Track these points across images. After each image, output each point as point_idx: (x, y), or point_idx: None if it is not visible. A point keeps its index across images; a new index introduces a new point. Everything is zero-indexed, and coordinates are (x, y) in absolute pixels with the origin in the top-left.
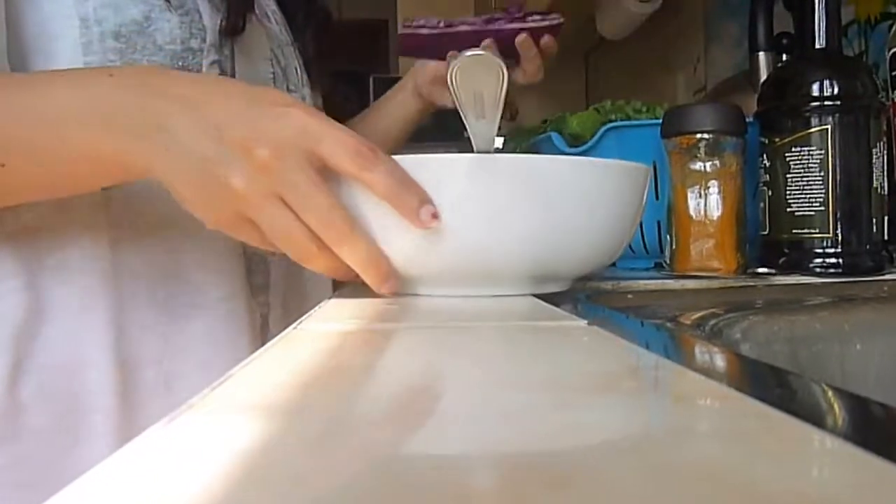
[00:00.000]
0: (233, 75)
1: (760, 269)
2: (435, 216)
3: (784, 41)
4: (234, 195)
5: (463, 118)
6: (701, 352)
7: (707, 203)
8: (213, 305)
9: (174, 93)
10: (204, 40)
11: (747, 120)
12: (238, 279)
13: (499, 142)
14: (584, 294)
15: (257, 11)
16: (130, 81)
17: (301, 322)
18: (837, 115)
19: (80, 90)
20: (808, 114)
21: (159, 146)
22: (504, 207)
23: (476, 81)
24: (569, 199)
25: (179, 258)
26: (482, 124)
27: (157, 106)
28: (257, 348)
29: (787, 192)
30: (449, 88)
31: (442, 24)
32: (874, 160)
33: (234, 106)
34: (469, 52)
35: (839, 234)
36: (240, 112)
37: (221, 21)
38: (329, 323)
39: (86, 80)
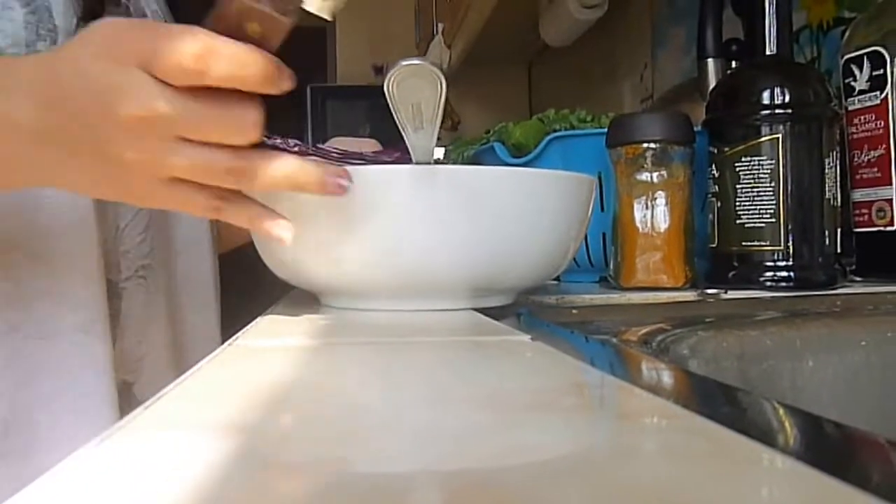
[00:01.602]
0: None
1: (710, 290)
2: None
3: (733, 47)
4: (138, 164)
5: (401, 129)
6: (648, 368)
7: (654, 215)
8: (66, 334)
9: (21, 103)
10: (55, 41)
11: (695, 129)
12: (96, 306)
13: (439, 153)
14: (527, 309)
15: (131, 9)
16: None
17: (237, 338)
18: (789, 123)
19: None
20: (758, 122)
21: (42, 158)
22: (443, 220)
23: (414, 92)
24: (509, 212)
25: (25, 284)
26: (420, 135)
27: (20, 124)
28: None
29: (737, 204)
30: (386, 98)
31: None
32: (827, 170)
33: (71, 93)
34: (406, 62)
35: (790, 247)
36: (80, 93)
37: (77, 19)
38: (265, 339)
39: None
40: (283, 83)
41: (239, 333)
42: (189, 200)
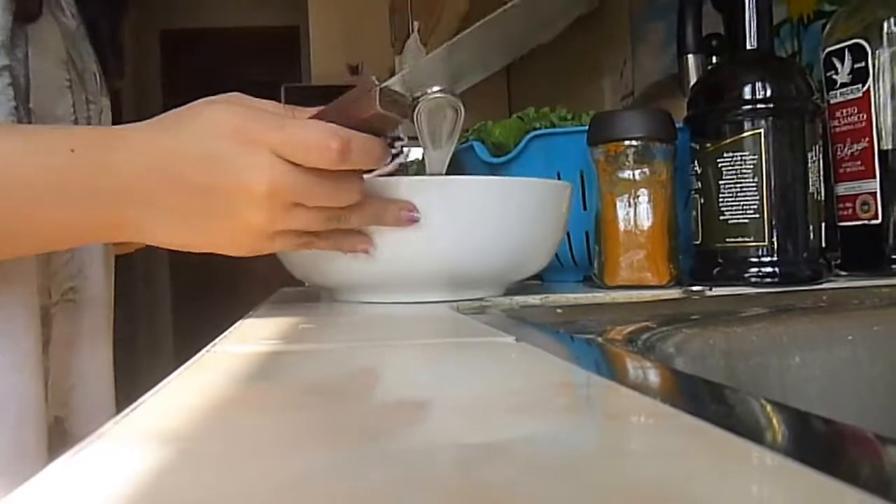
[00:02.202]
0: (27, 83)
1: (695, 287)
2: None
3: (714, 42)
4: (258, 225)
5: (422, 145)
6: (634, 367)
7: (637, 213)
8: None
9: (137, 171)
10: None
11: (677, 125)
12: (30, 339)
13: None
14: (511, 309)
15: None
16: (92, 159)
17: (215, 344)
18: (771, 118)
19: (39, 159)
20: (740, 118)
21: (148, 221)
22: (431, 224)
23: (436, 117)
24: (493, 215)
25: None
26: (437, 152)
27: (133, 190)
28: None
29: (720, 200)
30: (414, 123)
31: None
32: (810, 164)
33: (197, 167)
34: (433, 92)
35: (775, 243)
36: (209, 169)
37: (11, 13)
38: (244, 345)
39: (45, 149)
40: (386, 161)
41: (218, 339)
42: (287, 244)
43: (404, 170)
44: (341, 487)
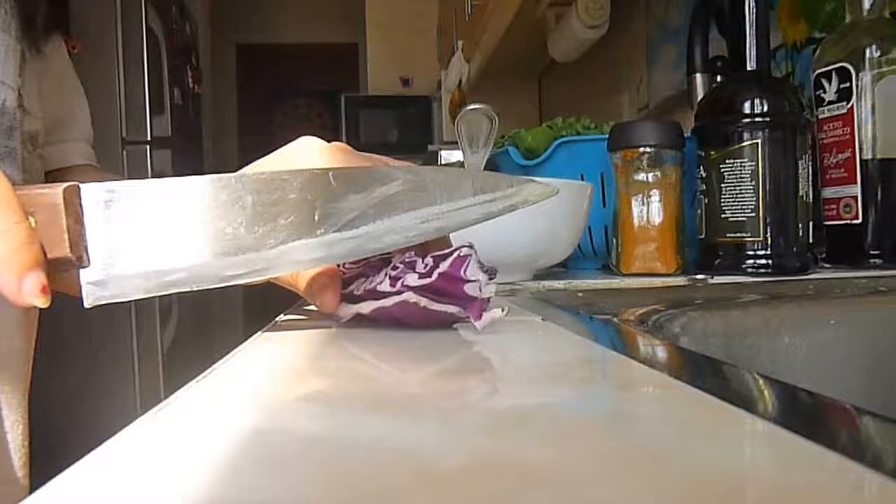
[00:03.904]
0: None
1: (699, 276)
2: None
3: (718, 63)
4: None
5: (462, 151)
6: (644, 345)
7: (649, 210)
8: None
9: None
10: None
11: (685, 135)
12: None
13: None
14: (538, 292)
15: None
16: None
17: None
18: (767, 130)
19: None
20: (740, 129)
21: None
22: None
23: (473, 127)
24: (521, 212)
25: None
26: (475, 157)
27: None
28: None
29: (722, 200)
30: (455, 132)
31: None
32: (800, 171)
33: None
34: (471, 106)
35: (769, 238)
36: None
37: None
38: (309, 319)
39: None
40: None
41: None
42: None
43: None
44: (384, 446)
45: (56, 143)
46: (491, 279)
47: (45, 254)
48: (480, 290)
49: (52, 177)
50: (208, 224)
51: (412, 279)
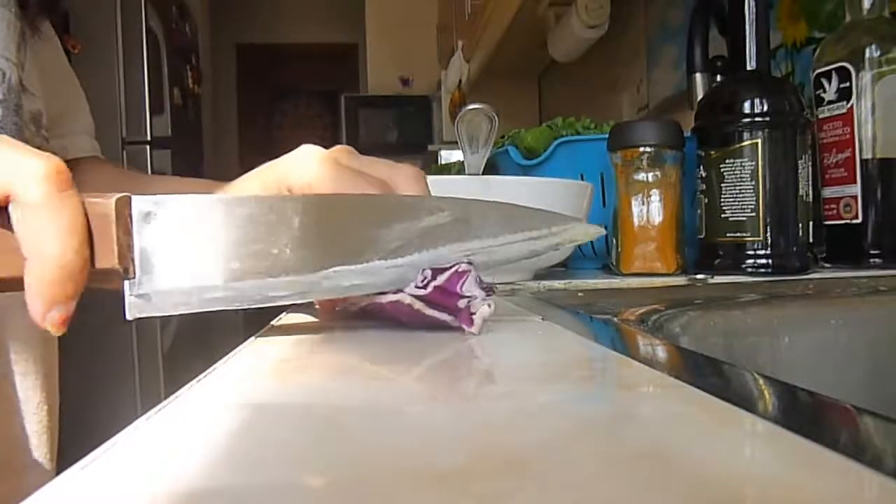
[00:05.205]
0: None
1: (699, 275)
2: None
3: (718, 63)
4: None
5: (462, 151)
6: (644, 344)
7: (649, 210)
8: None
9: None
10: None
11: (685, 135)
12: None
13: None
14: (539, 292)
15: None
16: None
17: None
18: (767, 130)
19: None
20: (740, 129)
21: None
22: None
23: (473, 126)
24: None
25: None
26: (475, 157)
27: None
28: None
29: (722, 200)
30: (455, 132)
31: None
32: (800, 171)
33: None
34: (470, 106)
35: (769, 238)
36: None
37: None
38: (307, 318)
39: None
40: None
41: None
42: None
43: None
44: (384, 444)
45: (57, 138)
46: (488, 296)
47: (92, 264)
48: (470, 305)
49: None
50: (253, 243)
51: (409, 288)
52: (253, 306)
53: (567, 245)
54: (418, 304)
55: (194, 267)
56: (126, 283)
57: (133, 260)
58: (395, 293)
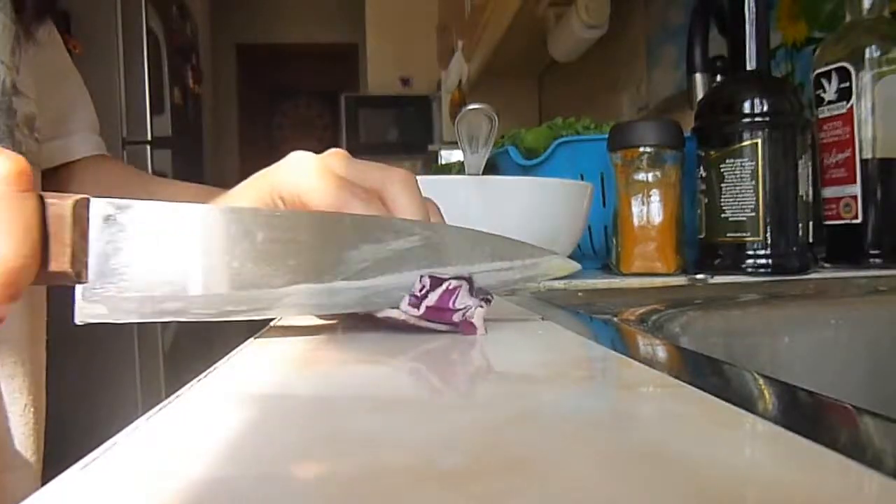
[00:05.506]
0: None
1: (698, 275)
2: None
3: (718, 63)
4: None
5: (462, 151)
6: (644, 344)
7: (649, 210)
8: None
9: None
10: None
11: (685, 135)
12: None
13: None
14: (538, 292)
15: None
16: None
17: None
18: (767, 130)
19: None
20: (740, 129)
21: None
22: (469, 217)
23: (473, 127)
24: (524, 210)
25: None
26: (475, 157)
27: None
28: None
29: (722, 200)
30: (455, 132)
31: None
32: (800, 171)
33: None
34: (470, 106)
35: (769, 238)
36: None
37: None
38: (306, 318)
39: None
40: None
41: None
42: None
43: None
44: (384, 443)
45: (62, 137)
46: (485, 303)
47: (46, 265)
48: (465, 316)
49: (66, 171)
50: (215, 255)
51: (404, 303)
52: (207, 319)
53: (540, 280)
54: (413, 320)
55: (150, 275)
56: (78, 287)
57: (86, 264)
58: (390, 309)
